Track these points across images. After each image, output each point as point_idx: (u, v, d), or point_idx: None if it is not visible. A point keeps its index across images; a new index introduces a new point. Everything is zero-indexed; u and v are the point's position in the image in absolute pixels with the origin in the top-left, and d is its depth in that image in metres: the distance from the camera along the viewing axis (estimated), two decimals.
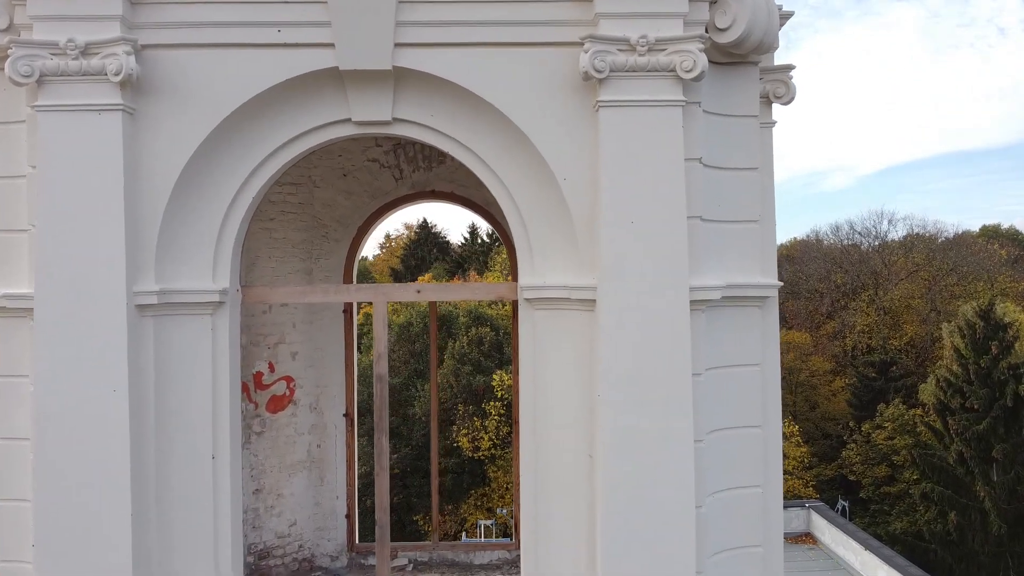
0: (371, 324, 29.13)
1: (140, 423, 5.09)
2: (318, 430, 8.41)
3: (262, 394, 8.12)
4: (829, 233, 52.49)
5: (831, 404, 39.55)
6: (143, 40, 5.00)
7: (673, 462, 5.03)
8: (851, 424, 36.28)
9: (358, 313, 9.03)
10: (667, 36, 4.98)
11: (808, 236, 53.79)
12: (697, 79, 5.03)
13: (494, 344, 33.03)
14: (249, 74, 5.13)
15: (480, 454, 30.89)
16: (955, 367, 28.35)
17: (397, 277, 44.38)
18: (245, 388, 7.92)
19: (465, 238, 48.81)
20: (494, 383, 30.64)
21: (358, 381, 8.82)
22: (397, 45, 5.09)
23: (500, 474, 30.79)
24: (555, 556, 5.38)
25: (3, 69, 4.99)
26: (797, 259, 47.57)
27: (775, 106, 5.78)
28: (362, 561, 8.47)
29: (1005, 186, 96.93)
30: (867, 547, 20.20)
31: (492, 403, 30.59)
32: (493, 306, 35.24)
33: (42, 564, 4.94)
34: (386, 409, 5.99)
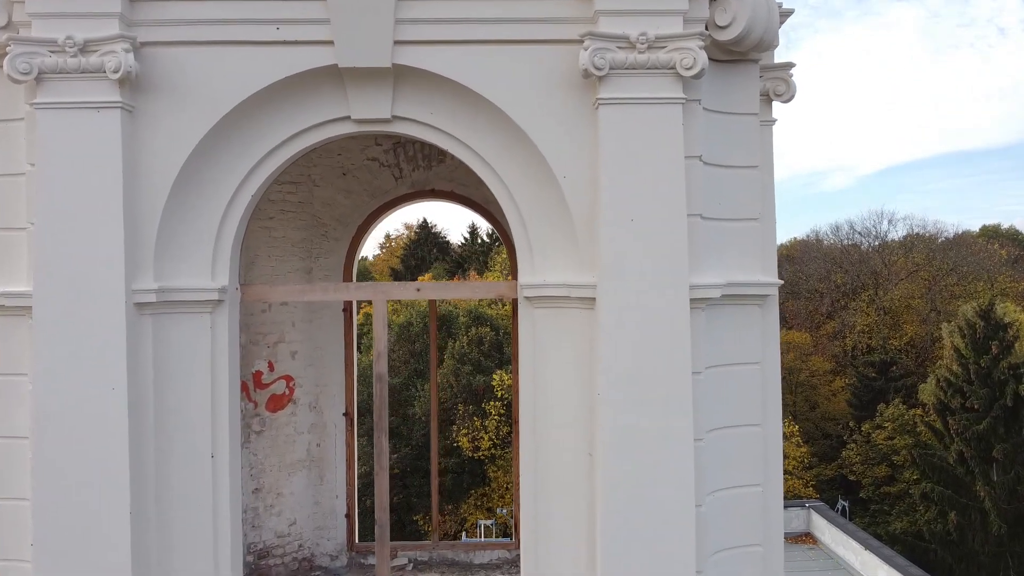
0: (371, 324, 29.11)
1: (139, 422, 5.07)
2: (318, 429, 8.40)
3: (261, 393, 8.11)
4: (829, 233, 52.56)
5: (831, 404, 39.54)
6: (142, 37, 4.99)
7: (673, 461, 5.01)
8: (851, 424, 36.27)
9: (358, 313, 9.02)
10: (667, 33, 4.97)
11: (808, 236, 53.86)
12: (697, 77, 5.01)
13: (494, 344, 33.02)
14: (248, 71, 5.12)
15: (480, 454, 30.88)
16: (955, 367, 28.35)
17: (397, 277, 44.34)
18: (244, 387, 7.91)
19: (465, 238, 48.80)
20: (494, 383, 30.63)
21: (358, 381, 8.81)
22: (396, 42, 5.08)
23: (500, 474, 30.78)
24: (555, 555, 5.36)
25: (2, 66, 4.98)
26: (797, 259, 47.56)
27: (775, 104, 5.76)
28: (362, 561, 8.46)
29: (1005, 186, 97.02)
30: (867, 547, 20.20)
31: (492, 403, 30.58)
32: (493, 306, 35.22)
33: (41, 563, 4.93)
34: (386, 408, 5.98)
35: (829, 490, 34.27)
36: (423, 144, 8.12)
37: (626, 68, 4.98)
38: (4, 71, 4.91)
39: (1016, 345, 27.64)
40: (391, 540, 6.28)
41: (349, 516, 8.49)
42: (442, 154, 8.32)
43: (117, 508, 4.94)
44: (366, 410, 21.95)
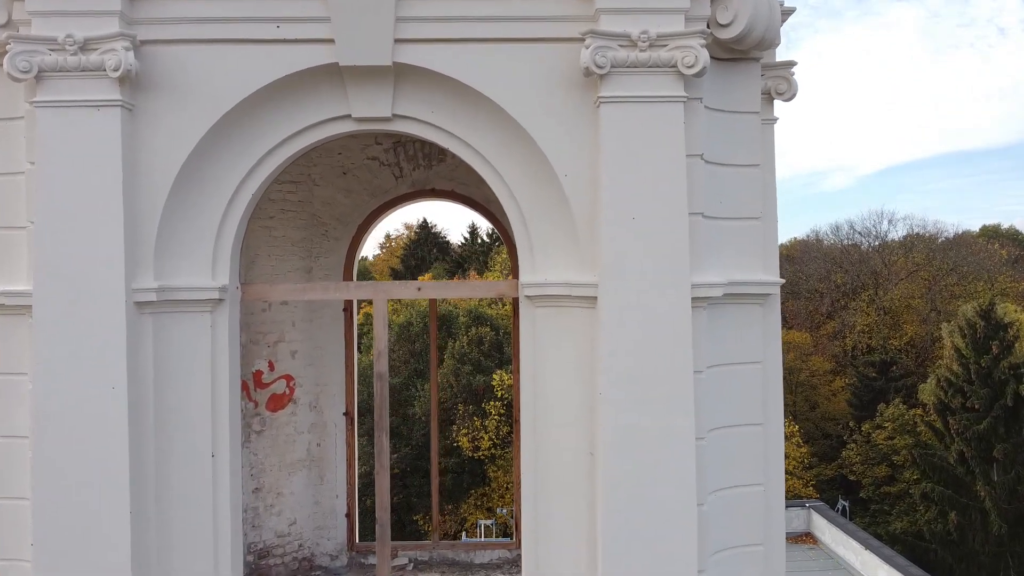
0: (371, 325, 29.11)
1: (139, 421, 5.06)
2: (318, 429, 8.39)
3: (262, 393, 8.10)
4: (829, 233, 52.52)
5: (831, 404, 39.53)
6: (142, 36, 4.98)
7: (674, 460, 5.00)
8: (851, 424, 36.25)
9: (358, 313, 9.01)
10: (668, 32, 4.96)
11: (808, 236, 53.81)
12: (699, 75, 5.00)
13: (494, 344, 33.00)
14: (248, 70, 5.11)
15: (480, 454, 30.86)
16: (956, 367, 28.34)
17: (397, 277, 44.33)
18: (245, 386, 7.90)
19: (465, 238, 48.77)
20: (494, 383, 30.61)
21: (358, 380, 8.80)
22: (397, 41, 5.07)
23: (500, 474, 30.76)
24: (556, 555, 5.35)
25: (1, 65, 4.97)
26: (797, 259, 47.53)
27: (777, 102, 5.76)
28: (362, 560, 8.44)
29: (1005, 186, 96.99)
30: (867, 547, 20.18)
31: (492, 403, 30.56)
32: (493, 306, 35.22)
33: (41, 563, 4.92)
34: (386, 407, 5.97)
35: (829, 490, 34.26)
36: (423, 143, 8.13)
37: (627, 66, 4.97)
38: (4, 69, 4.90)
39: (1016, 345, 27.63)
40: (391, 540, 6.27)
41: (349, 516, 8.48)
42: (442, 153, 8.31)
43: (117, 508, 4.93)
44: (366, 410, 21.93)
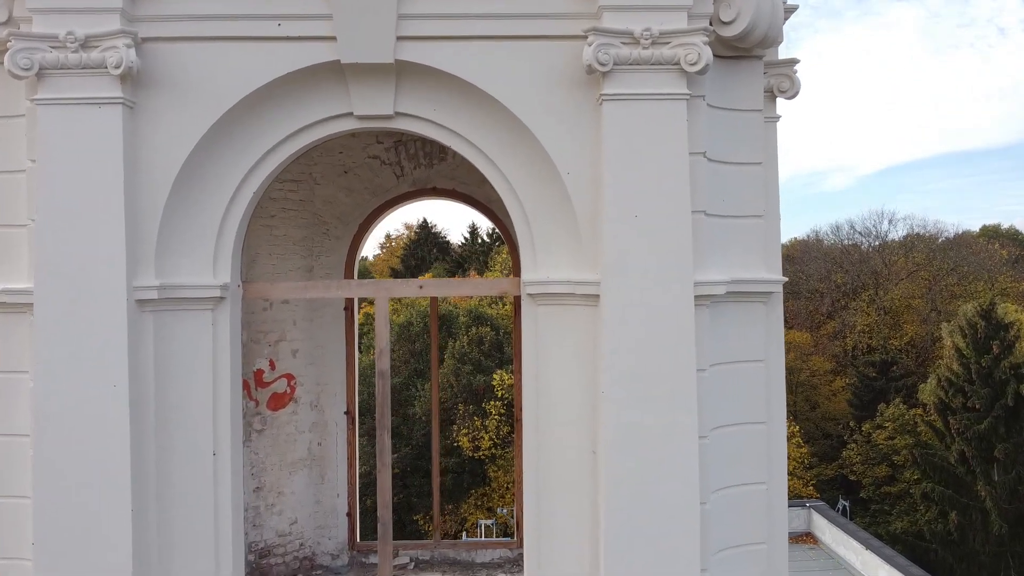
0: (371, 325, 29.10)
1: (140, 419, 5.05)
2: (319, 428, 8.37)
3: (263, 392, 8.09)
4: (829, 233, 52.48)
5: (831, 404, 39.51)
6: (143, 33, 4.96)
7: (677, 458, 4.99)
8: (851, 424, 36.24)
9: (359, 312, 9.00)
10: (671, 29, 4.95)
11: (808, 236, 53.76)
12: (701, 72, 4.99)
13: (494, 344, 32.99)
14: (250, 68, 5.09)
15: (480, 454, 30.84)
16: (956, 366, 28.34)
17: (397, 277, 44.30)
18: (246, 385, 7.89)
19: (465, 238, 48.75)
20: (494, 383, 30.61)
21: (358, 381, 8.79)
22: (399, 38, 5.06)
23: (500, 474, 30.74)
24: (558, 553, 5.34)
25: (2, 63, 4.95)
26: (797, 259, 47.51)
27: (779, 100, 5.75)
28: (363, 560, 8.43)
29: (1005, 186, 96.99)
30: (868, 547, 20.18)
31: (492, 403, 30.55)
32: (493, 306, 35.21)
33: (42, 562, 4.90)
34: (388, 405, 5.95)
35: (830, 490, 34.24)
36: (425, 142, 8.12)
37: (630, 64, 4.96)
38: (5, 67, 4.88)
39: (1017, 345, 27.63)
40: (392, 539, 6.25)
41: (350, 515, 8.47)
42: (443, 152, 8.30)
43: (118, 506, 4.91)
44: (366, 410, 21.95)
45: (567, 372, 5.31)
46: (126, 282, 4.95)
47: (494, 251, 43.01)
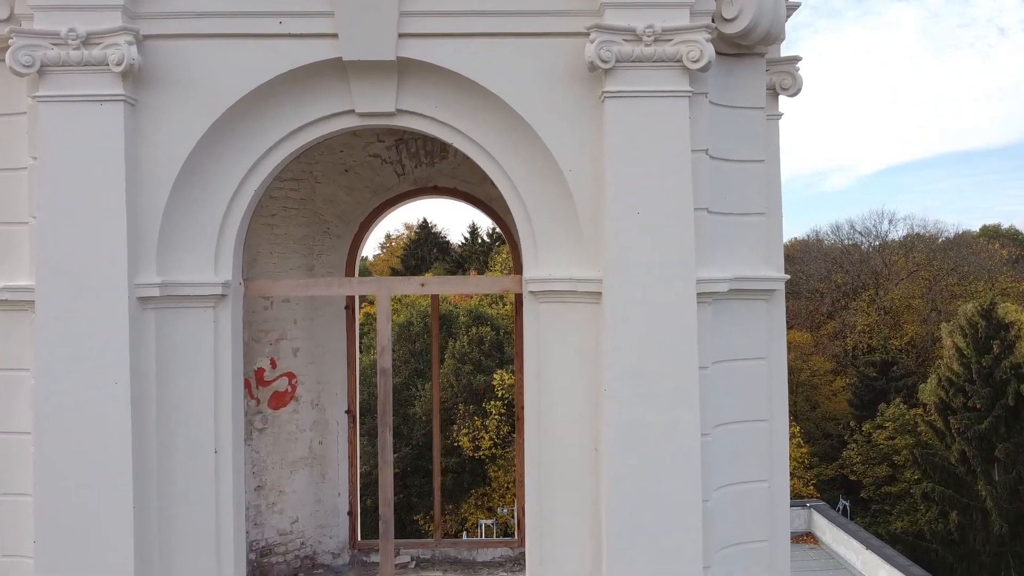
0: (371, 324, 29.09)
1: (142, 417, 5.04)
2: (320, 427, 8.37)
3: (264, 390, 8.08)
4: (829, 233, 52.49)
5: (832, 404, 39.51)
6: (145, 30, 4.96)
7: (680, 456, 4.99)
8: (852, 424, 36.24)
9: (359, 310, 9.00)
10: (673, 26, 4.94)
11: (808, 236, 53.76)
12: (704, 70, 4.99)
13: (494, 343, 32.98)
14: (251, 65, 5.09)
15: (481, 454, 30.84)
16: (956, 366, 28.34)
17: (397, 276, 44.30)
18: (247, 384, 7.88)
19: (465, 238, 48.75)
20: (495, 382, 30.60)
21: (359, 380, 8.78)
22: (401, 35, 5.05)
23: (501, 474, 30.74)
24: (560, 551, 5.33)
25: (4, 60, 4.95)
26: (797, 259, 47.49)
27: (781, 98, 5.74)
28: (364, 558, 8.42)
29: (1005, 186, 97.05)
30: (868, 547, 20.17)
31: (493, 402, 30.55)
32: (493, 305, 35.20)
33: (43, 561, 4.89)
34: (390, 403, 5.94)
35: (830, 490, 34.24)
36: (426, 140, 8.11)
37: (632, 61, 4.95)
38: (6, 64, 4.88)
39: (1017, 345, 27.64)
40: (393, 539, 6.24)
41: (351, 514, 8.46)
42: (444, 150, 8.29)
43: (119, 504, 4.91)
44: (367, 409, 21.95)
45: (569, 370, 5.30)
46: (127, 279, 4.95)
47: (494, 251, 43.01)
